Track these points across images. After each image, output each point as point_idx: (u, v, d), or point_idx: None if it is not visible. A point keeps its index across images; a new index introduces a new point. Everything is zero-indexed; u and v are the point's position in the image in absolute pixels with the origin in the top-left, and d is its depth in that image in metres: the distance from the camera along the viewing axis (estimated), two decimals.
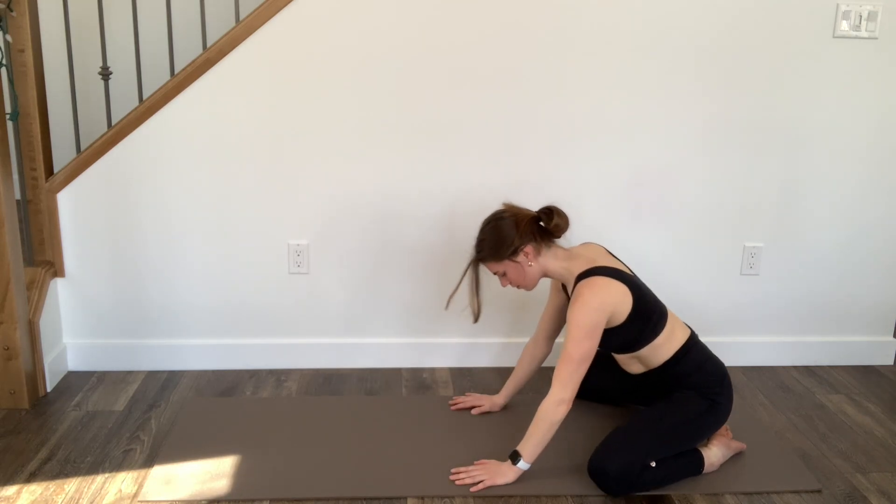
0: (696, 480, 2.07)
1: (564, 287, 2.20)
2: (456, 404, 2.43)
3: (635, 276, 2.13)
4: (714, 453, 2.11)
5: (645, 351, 2.09)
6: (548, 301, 2.33)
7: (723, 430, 2.22)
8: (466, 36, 2.46)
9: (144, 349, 2.66)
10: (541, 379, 2.52)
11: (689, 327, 2.19)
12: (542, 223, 2.09)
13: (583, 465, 2.10)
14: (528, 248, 2.06)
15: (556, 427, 1.97)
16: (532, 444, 1.99)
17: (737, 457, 2.19)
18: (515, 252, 2.06)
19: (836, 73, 2.59)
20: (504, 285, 2.15)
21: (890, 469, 2.17)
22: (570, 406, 1.96)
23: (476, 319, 2.17)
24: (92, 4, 3.20)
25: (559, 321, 2.32)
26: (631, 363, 2.17)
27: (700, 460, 2.08)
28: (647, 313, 2.05)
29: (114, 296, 2.61)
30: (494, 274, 2.13)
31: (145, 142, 2.48)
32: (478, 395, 2.46)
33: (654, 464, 1.99)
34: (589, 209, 2.65)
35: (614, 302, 2.00)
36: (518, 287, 2.14)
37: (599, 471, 1.98)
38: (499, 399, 2.40)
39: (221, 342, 2.68)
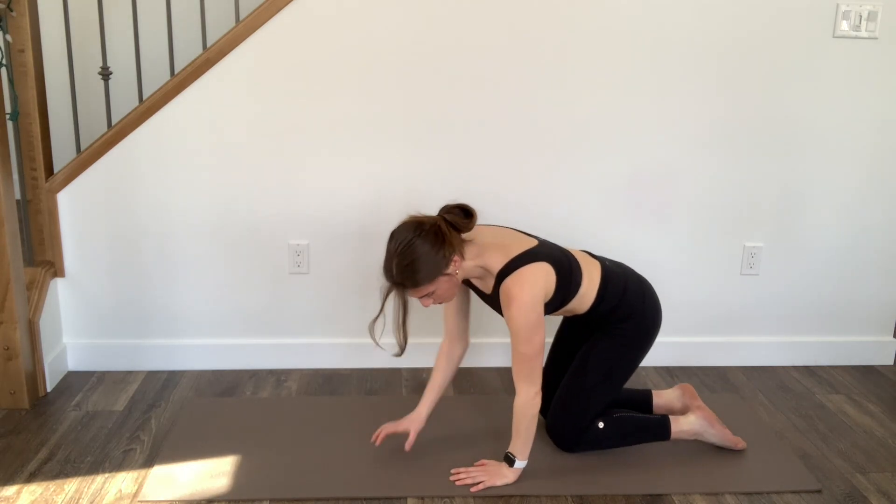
0: (696, 480, 2.07)
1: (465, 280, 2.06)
2: (376, 439, 2.13)
3: (541, 240, 2.05)
4: (690, 421, 2.18)
5: (573, 303, 2.06)
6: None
7: (707, 411, 2.24)
8: (468, 36, 2.46)
9: (144, 349, 2.66)
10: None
11: (596, 257, 2.15)
12: (453, 225, 1.93)
13: (582, 464, 2.11)
14: (456, 257, 1.91)
15: (536, 419, 1.98)
16: (521, 442, 2.00)
17: (737, 456, 2.19)
18: (447, 265, 1.90)
19: (836, 73, 2.59)
20: (427, 305, 1.95)
21: (890, 469, 2.17)
22: (541, 394, 1.97)
23: (403, 352, 2.00)
24: (92, 4, 3.21)
25: (467, 315, 2.16)
26: (567, 314, 2.14)
27: (665, 427, 2.17)
28: (568, 274, 2.00)
29: (114, 296, 2.61)
30: (420, 297, 1.93)
31: (145, 142, 2.48)
32: (392, 423, 2.15)
33: (602, 425, 2.12)
34: (590, 209, 2.65)
35: (544, 286, 1.94)
36: (441, 302, 1.98)
37: (551, 432, 2.16)
38: (422, 410, 2.13)
39: (221, 342, 2.68)
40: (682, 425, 2.18)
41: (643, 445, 2.22)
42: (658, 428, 2.17)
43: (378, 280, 2.65)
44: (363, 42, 2.45)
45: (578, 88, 2.54)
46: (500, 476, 2.01)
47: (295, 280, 2.65)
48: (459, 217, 1.93)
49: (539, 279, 1.93)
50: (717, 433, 2.20)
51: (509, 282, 1.92)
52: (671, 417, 2.19)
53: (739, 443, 2.21)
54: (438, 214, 1.95)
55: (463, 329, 2.18)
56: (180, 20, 3.01)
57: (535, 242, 2.03)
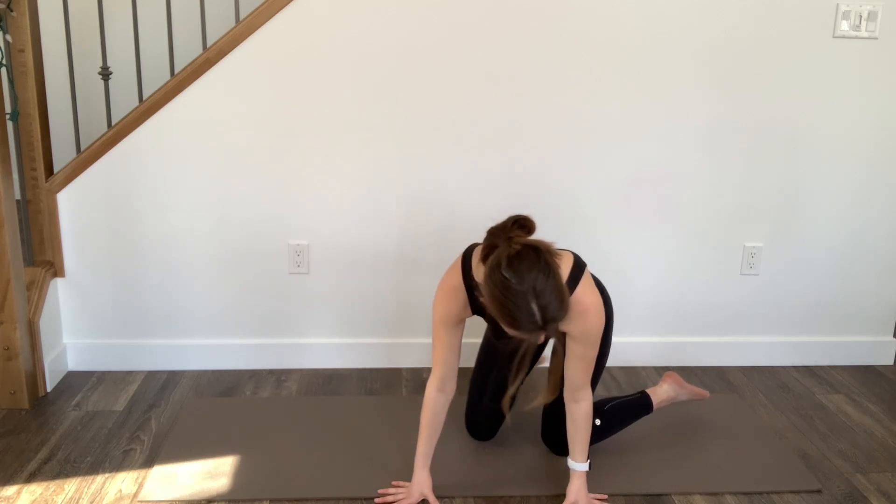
0: (696, 480, 2.07)
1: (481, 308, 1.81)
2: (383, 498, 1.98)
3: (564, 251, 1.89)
4: (664, 389, 2.29)
5: None
6: (444, 335, 1.87)
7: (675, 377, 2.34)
8: (467, 36, 2.46)
9: (144, 349, 2.66)
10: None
11: None
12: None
13: None
14: None
15: None
16: (586, 447, 1.93)
17: (737, 456, 2.19)
18: None
19: (836, 73, 2.59)
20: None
21: (890, 469, 2.17)
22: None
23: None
24: (92, 4, 3.20)
25: (459, 353, 1.95)
26: None
27: (648, 403, 2.24)
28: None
29: (114, 296, 2.61)
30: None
31: (145, 142, 2.48)
32: (400, 490, 1.98)
33: (598, 422, 2.10)
34: (589, 210, 2.65)
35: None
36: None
37: (559, 445, 2.09)
38: (423, 472, 1.95)
39: (221, 342, 2.68)
40: (660, 395, 2.27)
41: (645, 445, 2.23)
42: (642, 405, 2.24)
43: (378, 279, 2.66)
44: (363, 42, 2.45)
45: (578, 89, 2.54)
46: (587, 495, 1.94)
47: (295, 280, 2.65)
48: (525, 233, 1.73)
49: (594, 284, 1.86)
50: (687, 391, 2.32)
51: (581, 293, 1.77)
52: (648, 390, 2.27)
53: (705, 393, 2.35)
54: (506, 236, 1.66)
55: (455, 371, 1.94)
56: (180, 20, 3.01)
57: (570, 251, 1.89)
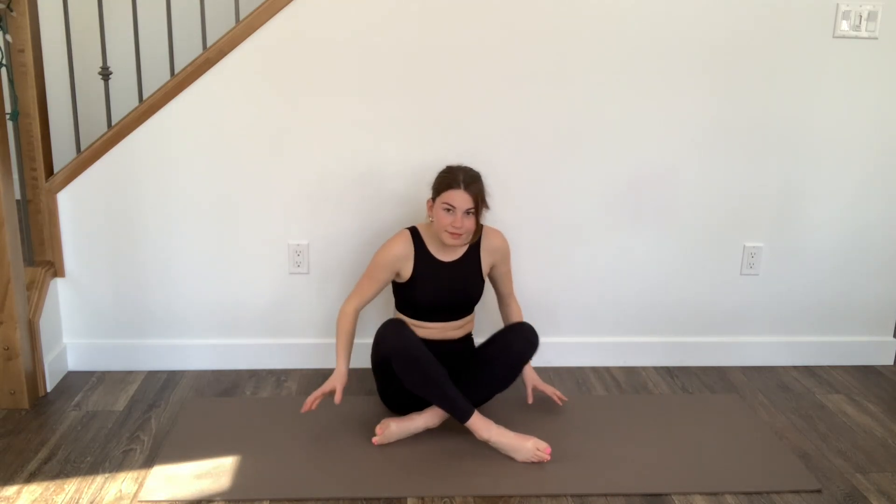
0: (696, 480, 2.07)
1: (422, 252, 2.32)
2: (310, 406, 2.22)
3: None
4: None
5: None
6: (378, 274, 2.28)
7: None
8: (468, 37, 2.46)
9: (144, 349, 2.66)
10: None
11: None
12: None
13: (582, 464, 2.11)
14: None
15: None
16: None
17: (737, 456, 2.19)
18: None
19: (836, 73, 2.59)
20: (465, 230, 2.21)
21: (890, 469, 2.17)
22: None
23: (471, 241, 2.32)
24: (92, 4, 3.20)
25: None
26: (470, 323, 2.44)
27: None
28: None
29: (114, 296, 2.61)
30: (468, 212, 2.20)
31: (145, 142, 2.48)
32: (317, 390, 2.24)
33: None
34: (590, 210, 2.65)
35: None
36: (463, 235, 2.23)
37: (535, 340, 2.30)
38: (343, 368, 2.27)
39: (221, 342, 2.69)
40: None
41: (645, 445, 2.23)
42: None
43: None
44: (363, 42, 2.45)
45: (578, 89, 2.54)
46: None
47: (295, 280, 2.65)
48: None
49: None
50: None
51: (496, 232, 2.39)
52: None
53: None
54: None
55: (365, 305, 2.36)
56: (180, 20, 3.01)
57: None
